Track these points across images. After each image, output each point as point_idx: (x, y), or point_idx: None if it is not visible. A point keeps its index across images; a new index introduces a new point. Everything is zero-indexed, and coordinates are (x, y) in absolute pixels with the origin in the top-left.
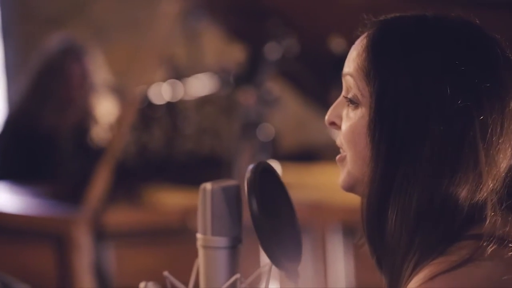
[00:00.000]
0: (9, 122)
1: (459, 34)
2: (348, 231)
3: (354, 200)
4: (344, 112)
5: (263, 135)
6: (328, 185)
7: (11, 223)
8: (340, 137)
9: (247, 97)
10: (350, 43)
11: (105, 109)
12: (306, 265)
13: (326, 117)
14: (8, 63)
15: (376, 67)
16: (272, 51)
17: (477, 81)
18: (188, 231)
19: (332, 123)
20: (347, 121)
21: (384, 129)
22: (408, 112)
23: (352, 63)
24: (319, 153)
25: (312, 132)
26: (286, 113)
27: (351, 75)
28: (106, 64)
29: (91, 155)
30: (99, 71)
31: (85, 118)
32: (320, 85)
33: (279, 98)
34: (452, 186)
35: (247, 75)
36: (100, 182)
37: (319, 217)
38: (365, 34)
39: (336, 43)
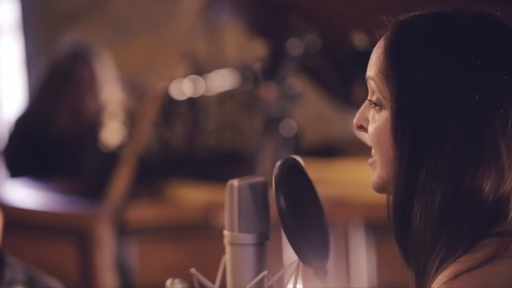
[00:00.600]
0: (20, 123)
1: (475, 29)
2: (370, 227)
3: (376, 196)
4: (370, 115)
5: (286, 131)
6: (350, 181)
7: (34, 219)
8: (368, 140)
9: (268, 92)
10: (372, 38)
11: (117, 104)
12: (328, 261)
13: (354, 120)
14: (28, 57)
15: (394, 69)
16: (294, 46)
17: (495, 75)
18: (209, 227)
19: (360, 127)
20: (373, 123)
21: (405, 129)
22: (427, 111)
23: (373, 66)
24: (341, 148)
25: (334, 127)
26: (308, 108)
27: (372, 79)
28: (126, 60)
29: (108, 152)
30: (109, 68)
31: (98, 117)
32: (342, 81)
33: (301, 93)
34: (474, 181)
35: (269, 70)
36: (122, 178)
37: (341, 213)
38: (384, 36)
39: (358, 38)
